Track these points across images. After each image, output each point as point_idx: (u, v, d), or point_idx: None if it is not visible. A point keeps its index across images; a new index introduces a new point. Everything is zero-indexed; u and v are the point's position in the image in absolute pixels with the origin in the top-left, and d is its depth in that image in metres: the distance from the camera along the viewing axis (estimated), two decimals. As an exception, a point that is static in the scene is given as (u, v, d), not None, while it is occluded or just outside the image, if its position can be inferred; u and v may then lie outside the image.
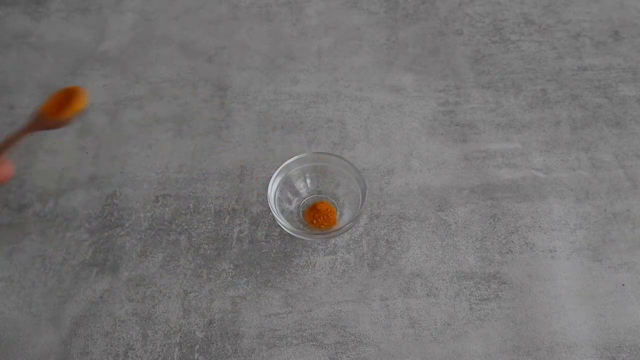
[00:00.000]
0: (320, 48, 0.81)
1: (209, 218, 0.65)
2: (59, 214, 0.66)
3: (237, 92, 0.76)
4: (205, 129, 0.73)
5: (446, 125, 0.72)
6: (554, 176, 0.68)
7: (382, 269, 0.61)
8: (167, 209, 0.66)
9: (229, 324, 0.58)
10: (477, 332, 0.57)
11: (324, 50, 0.80)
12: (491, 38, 0.81)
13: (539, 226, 0.64)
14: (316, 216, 0.63)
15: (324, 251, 0.63)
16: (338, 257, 0.62)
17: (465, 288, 0.60)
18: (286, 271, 0.62)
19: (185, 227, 0.65)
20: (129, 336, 0.58)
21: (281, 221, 0.59)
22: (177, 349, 0.57)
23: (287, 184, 0.63)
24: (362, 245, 0.63)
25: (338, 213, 0.64)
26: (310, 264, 0.62)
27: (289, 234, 0.63)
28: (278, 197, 0.62)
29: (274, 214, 0.59)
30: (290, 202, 0.64)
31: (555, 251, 0.62)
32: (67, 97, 0.40)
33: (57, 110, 0.40)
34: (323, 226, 0.62)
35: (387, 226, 0.64)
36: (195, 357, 0.56)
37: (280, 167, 0.62)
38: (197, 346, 0.57)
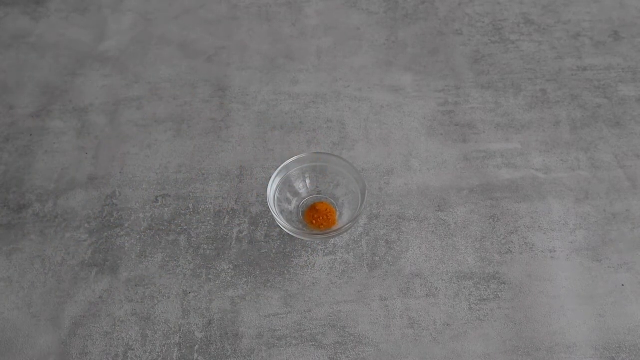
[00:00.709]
0: (319, 48, 0.81)
1: (208, 218, 0.65)
2: (59, 215, 0.66)
3: (237, 92, 0.76)
4: (204, 129, 0.73)
5: (446, 126, 0.72)
6: (553, 176, 0.68)
7: (381, 269, 0.61)
8: (166, 209, 0.66)
9: (228, 324, 0.58)
10: (477, 333, 0.57)
11: (323, 51, 0.80)
12: (491, 38, 0.81)
13: (539, 226, 0.64)
14: (316, 216, 0.63)
15: (324, 251, 0.63)
16: (337, 258, 0.62)
17: (464, 288, 0.60)
18: (286, 271, 0.62)
19: (185, 227, 0.65)
20: (128, 336, 0.58)
21: (281, 221, 0.59)
22: (176, 349, 0.57)
23: (286, 184, 0.63)
24: (361, 246, 0.63)
25: (337, 213, 0.64)
26: (310, 264, 0.62)
27: (288, 234, 0.63)
28: (277, 198, 0.62)
29: (273, 214, 0.59)
30: (289, 202, 0.64)
31: (554, 251, 0.62)
32: None
33: None
34: (322, 226, 0.62)
35: (387, 226, 0.64)
36: (195, 358, 0.56)
37: (280, 168, 0.62)
38: (197, 346, 0.57)
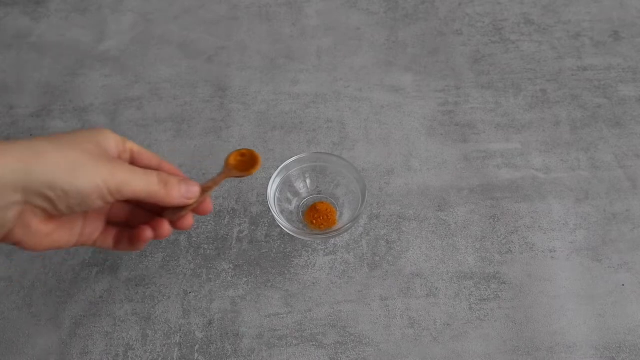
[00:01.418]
0: (319, 48, 0.81)
1: (208, 218, 0.65)
2: (59, 214, 0.66)
3: (237, 92, 0.76)
4: (204, 129, 0.73)
5: (446, 126, 0.72)
6: (553, 176, 0.68)
7: (381, 269, 0.61)
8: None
9: (228, 324, 0.58)
10: (477, 333, 0.57)
11: (323, 51, 0.80)
12: (491, 38, 0.81)
13: (539, 226, 0.64)
14: (316, 216, 0.63)
15: (324, 251, 0.63)
16: (338, 257, 0.62)
17: (465, 288, 0.60)
18: (286, 271, 0.62)
19: (185, 227, 0.65)
20: (128, 336, 0.58)
21: (281, 221, 0.59)
22: (176, 349, 0.57)
23: (286, 184, 0.63)
24: (362, 246, 0.63)
25: (338, 213, 0.64)
26: (310, 264, 0.62)
27: (288, 234, 0.63)
28: (278, 197, 0.62)
29: (273, 214, 0.59)
30: (290, 202, 0.64)
31: (555, 251, 0.62)
32: (251, 158, 0.51)
33: (242, 168, 0.51)
34: (323, 226, 0.62)
35: (387, 226, 0.64)
36: (195, 357, 0.56)
37: (280, 167, 0.62)
38: (197, 346, 0.57)
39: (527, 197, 0.66)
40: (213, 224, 0.65)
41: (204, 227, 0.65)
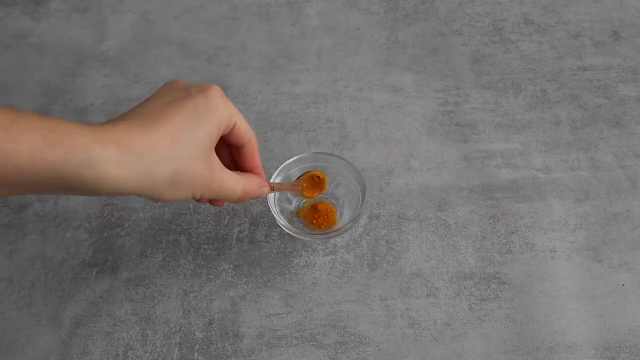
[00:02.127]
0: (320, 48, 0.81)
1: (208, 218, 0.65)
2: (59, 214, 0.66)
3: (237, 92, 0.76)
4: (205, 129, 0.73)
5: (446, 126, 0.72)
6: (553, 176, 0.68)
7: (382, 269, 0.61)
8: (166, 209, 0.66)
9: (228, 324, 0.58)
10: (477, 332, 0.57)
11: (323, 51, 0.80)
12: (491, 38, 0.81)
13: (539, 226, 0.64)
14: (316, 216, 0.63)
15: (324, 251, 0.63)
16: (338, 257, 0.62)
17: (465, 288, 0.60)
18: (286, 271, 0.62)
19: (185, 227, 0.65)
20: (128, 336, 0.58)
21: (281, 221, 0.59)
22: (176, 349, 0.57)
23: (286, 184, 0.63)
24: (362, 246, 0.63)
25: (338, 213, 0.64)
26: (310, 264, 0.62)
27: (288, 234, 0.63)
28: (278, 197, 0.62)
29: (273, 214, 0.59)
30: (290, 202, 0.64)
31: (555, 251, 0.62)
32: (320, 182, 0.60)
33: (312, 190, 0.60)
34: (323, 226, 0.62)
35: (387, 226, 0.64)
36: (195, 357, 0.56)
37: (280, 167, 0.62)
38: (197, 346, 0.57)
39: (527, 197, 0.66)
40: (213, 224, 0.65)
41: (204, 227, 0.65)
